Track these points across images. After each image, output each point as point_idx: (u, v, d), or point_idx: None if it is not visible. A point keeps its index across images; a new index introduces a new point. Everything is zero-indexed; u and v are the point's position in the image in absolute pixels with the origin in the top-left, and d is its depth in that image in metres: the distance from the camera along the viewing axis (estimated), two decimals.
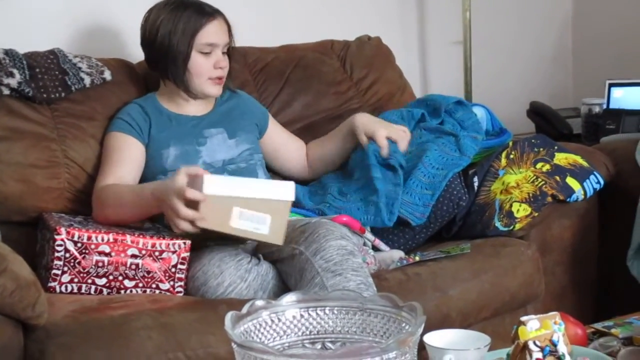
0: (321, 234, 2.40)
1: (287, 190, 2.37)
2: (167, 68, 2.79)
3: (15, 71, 2.74)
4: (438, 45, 4.11)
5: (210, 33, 2.78)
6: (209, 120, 2.87)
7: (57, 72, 2.84)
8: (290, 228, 2.52)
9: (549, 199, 2.80)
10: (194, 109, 2.88)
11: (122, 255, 2.39)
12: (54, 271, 2.38)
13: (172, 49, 2.76)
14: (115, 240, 2.40)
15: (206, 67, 2.79)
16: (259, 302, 1.64)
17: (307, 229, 2.45)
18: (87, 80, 2.87)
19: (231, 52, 2.89)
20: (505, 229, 2.77)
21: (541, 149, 2.91)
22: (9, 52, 2.80)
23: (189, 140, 2.80)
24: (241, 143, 2.86)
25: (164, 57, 2.78)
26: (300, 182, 2.92)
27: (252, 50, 3.23)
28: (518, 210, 2.76)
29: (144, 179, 2.77)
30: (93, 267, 2.40)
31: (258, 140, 2.96)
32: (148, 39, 2.82)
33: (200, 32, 2.77)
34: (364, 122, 2.93)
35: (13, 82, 2.72)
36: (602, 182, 2.90)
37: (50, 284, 2.39)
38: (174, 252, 2.43)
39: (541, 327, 1.69)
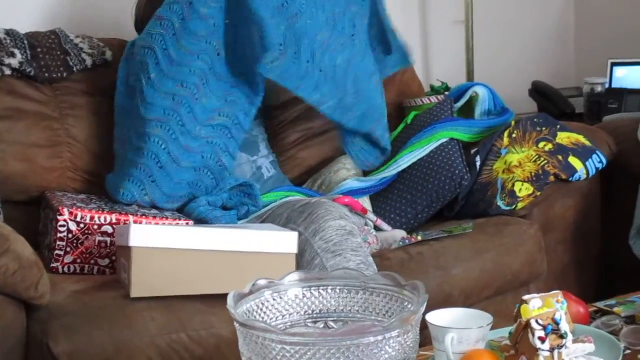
0: (320, 214, 2.39)
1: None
2: None
3: (16, 51, 2.74)
4: (440, 25, 4.10)
5: None
6: None
7: (58, 52, 2.84)
8: (290, 208, 2.52)
9: (551, 178, 2.79)
10: None
11: None
12: (57, 251, 2.39)
13: None
14: (118, 221, 2.41)
15: None
16: (261, 281, 1.64)
17: (306, 209, 2.44)
18: (89, 61, 2.87)
19: None
20: (508, 207, 2.77)
21: (543, 128, 2.91)
22: (9, 32, 2.80)
23: None
24: None
25: None
26: None
27: None
28: (520, 189, 2.76)
29: None
30: (96, 247, 2.41)
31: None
32: (141, 24, 2.84)
33: None
34: None
35: (14, 62, 2.72)
36: (604, 161, 2.90)
37: (52, 264, 2.39)
38: None
39: (543, 306, 1.69)
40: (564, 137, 2.89)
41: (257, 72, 2.63)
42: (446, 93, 3.31)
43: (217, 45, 2.66)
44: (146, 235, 2.15)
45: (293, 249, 2.25)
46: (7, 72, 2.72)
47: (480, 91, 3.10)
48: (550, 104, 3.77)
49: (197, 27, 2.64)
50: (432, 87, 3.50)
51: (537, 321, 1.62)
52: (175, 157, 2.61)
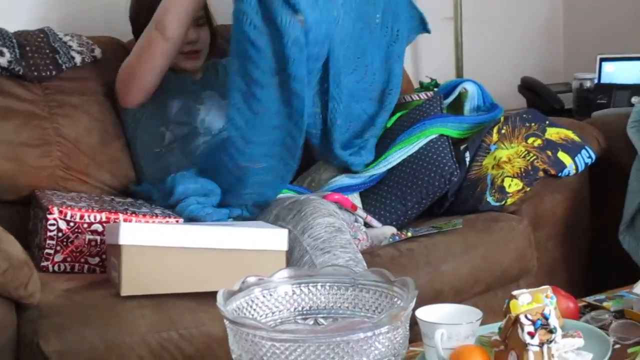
0: (308, 211, 2.39)
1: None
2: None
3: (5, 50, 2.73)
4: (429, 21, 4.10)
5: None
6: (202, 84, 2.91)
7: (47, 51, 2.83)
8: (279, 206, 2.52)
9: (541, 173, 2.80)
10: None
11: None
12: (47, 250, 2.38)
13: (142, 27, 2.77)
14: (108, 219, 2.40)
15: None
16: (251, 279, 1.64)
17: (295, 207, 2.44)
18: (78, 59, 2.87)
19: (213, 26, 2.92)
20: (497, 203, 2.78)
21: (533, 124, 2.91)
22: None
23: (189, 95, 2.83)
24: None
25: (139, 35, 2.80)
26: None
27: None
28: (510, 185, 2.76)
29: (145, 128, 2.83)
30: (86, 246, 2.40)
31: None
32: (130, 17, 2.88)
33: None
34: None
35: (3, 61, 2.71)
36: (593, 156, 2.91)
37: (43, 263, 2.39)
38: None
39: (533, 301, 1.69)
40: (553, 133, 2.90)
41: None
42: (435, 90, 3.31)
43: None
44: (136, 233, 2.14)
45: (283, 246, 2.24)
46: None
47: (470, 87, 3.10)
48: (540, 99, 3.77)
49: None
50: (421, 84, 3.50)
51: (526, 316, 1.63)
52: None
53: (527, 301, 1.69)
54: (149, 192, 2.74)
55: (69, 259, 2.41)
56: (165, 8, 2.63)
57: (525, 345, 1.61)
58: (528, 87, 3.86)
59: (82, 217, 2.39)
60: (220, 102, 2.84)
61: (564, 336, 1.65)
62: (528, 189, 2.78)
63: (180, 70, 2.88)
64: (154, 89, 2.76)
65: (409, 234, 2.67)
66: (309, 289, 1.68)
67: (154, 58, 2.69)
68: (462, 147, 2.92)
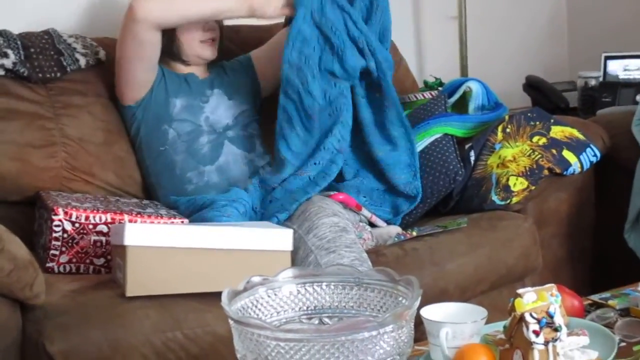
0: (313, 211, 2.40)
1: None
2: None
3: (9, 51, 2.73)
4: (433, 20, 4.10)
5: None
6: (208, 82, 2.91)
7: (52, 53, 2.84)
8: None
9: (546, 172, 2.80)
10: (195, 72, 2.92)
11: None
12: (52, 251, 2.39)
13: None
14: (113, 220, 2.41)
15: (195, 32, 2.81)
16: (256, 279, 1.64)
17: (299, 207, 2.45)
18: (82, 61, 2.87)
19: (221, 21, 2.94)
20: (502, 202, 2.78)
21: (537, 123, 2.91)
22: (2, 33, 2.80)
23: (194, 95, 2.85)
24: (238, 104, 2.90)
25: None
26: None
27: (245, 27, 3.23)
28: (515, 183, 2.76)
29: (148, 128, 2.82)
30: (91, 246, 2.41)
31: (255, 101, 3.00)
32: None
33: None
34: None
35: (7, 62, 2.71)
36: (598, 154, 2.90)
37: (48, 264, 2.39)
38: None
39: (538, 299, 1.69)
40: (558, 131, 2.89)
41: None
42: (440, 89, 3.31)
43: None
44: (141, 234, 2.15)
45: (288, 246, 2.25)
46: (1, 72, 2.72)
47: (474, 86, 3.09)
48: (544, 98, 3.77)
49: None
50: (425, 83, 3.51)
51: (531, 315, 1.63)
52: None
53: (532, 299, 1.68)
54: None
55: (74, 260, 2.41)
56: None
57: (530, 344, 1.61)
58: (533, 86, 3.86)
59: (87, 218, 2.39)
60: (227, 102, 2.86)
61: (569, 334, 1.65)
62: (533, 187, 2.78)
63: (197, 63, 2.90)
64: (168, 26, 2.74)
65: (414, 233, 2.67)
66: (313, 288, 1.68)
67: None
68: (466, 146, 2.91)
